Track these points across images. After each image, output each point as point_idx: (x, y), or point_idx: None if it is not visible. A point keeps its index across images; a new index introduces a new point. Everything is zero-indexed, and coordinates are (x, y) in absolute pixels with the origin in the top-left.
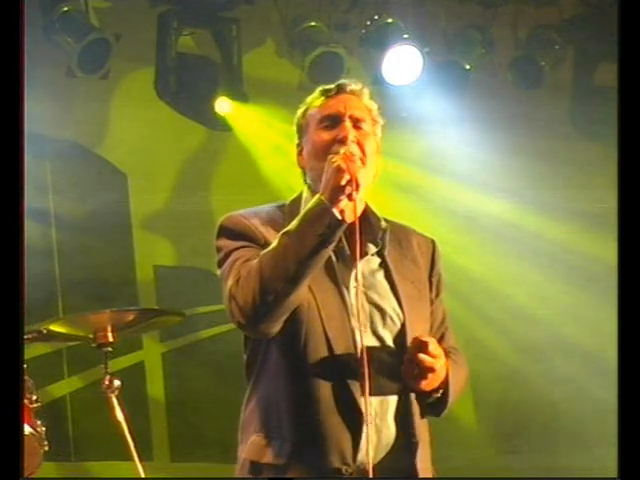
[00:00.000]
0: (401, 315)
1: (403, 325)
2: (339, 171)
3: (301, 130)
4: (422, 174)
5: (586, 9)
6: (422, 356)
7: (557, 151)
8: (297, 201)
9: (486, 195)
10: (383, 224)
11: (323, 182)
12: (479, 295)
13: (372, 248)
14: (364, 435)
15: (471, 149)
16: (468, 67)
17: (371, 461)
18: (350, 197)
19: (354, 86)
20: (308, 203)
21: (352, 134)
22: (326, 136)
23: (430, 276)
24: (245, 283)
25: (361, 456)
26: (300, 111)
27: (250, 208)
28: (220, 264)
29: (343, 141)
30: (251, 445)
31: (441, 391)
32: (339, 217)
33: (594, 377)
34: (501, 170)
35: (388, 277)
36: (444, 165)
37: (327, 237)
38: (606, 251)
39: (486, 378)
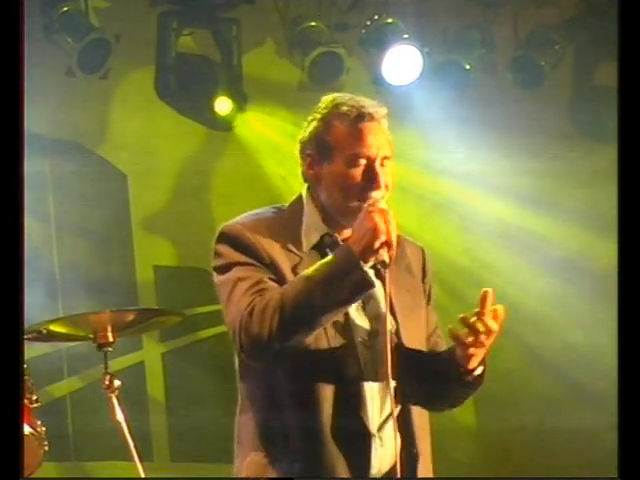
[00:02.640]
0: (393, 322)
1: (397, 334)
2: (376, 231)
3: (320, 143)
4: (421, 174)
5: (586, 9)
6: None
7: (557, 151)
8: (297, 203)
9: (486, 195)
10: None
11: (357, 234)
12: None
13: None
14: (373, 449)
15: (471, 149)
16: (468, 67)
17: (378, 473)
18: (384, 264)
19: (376, 111)
20: (313, 215)
21: (383, 178)
22: (356, 175)
23: (423, 283)
24: (261, 317)
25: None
26: (316, 119)
27: (249, 215)
28: (219, 271)
29: (374, 185)
30: (250, 465)
31: (482, 368)
32: (371, 280)
33: (595, 377)
34: (501, 170)
35: (383, 287)
36: (444, 165)
37: (354, 297)
38: (606, 251)
39: (487, 380)
